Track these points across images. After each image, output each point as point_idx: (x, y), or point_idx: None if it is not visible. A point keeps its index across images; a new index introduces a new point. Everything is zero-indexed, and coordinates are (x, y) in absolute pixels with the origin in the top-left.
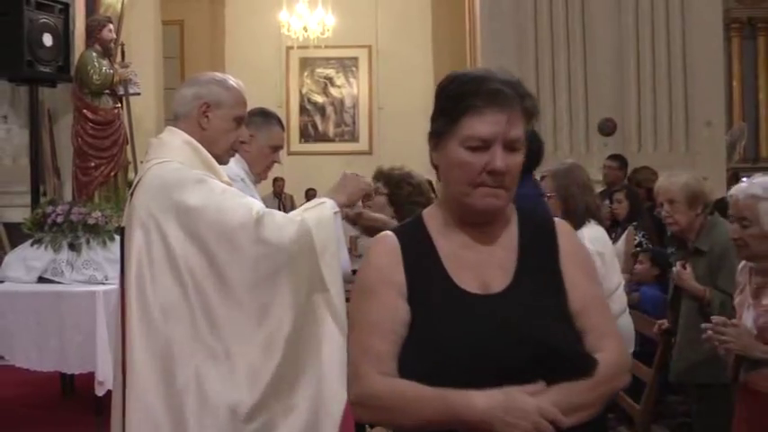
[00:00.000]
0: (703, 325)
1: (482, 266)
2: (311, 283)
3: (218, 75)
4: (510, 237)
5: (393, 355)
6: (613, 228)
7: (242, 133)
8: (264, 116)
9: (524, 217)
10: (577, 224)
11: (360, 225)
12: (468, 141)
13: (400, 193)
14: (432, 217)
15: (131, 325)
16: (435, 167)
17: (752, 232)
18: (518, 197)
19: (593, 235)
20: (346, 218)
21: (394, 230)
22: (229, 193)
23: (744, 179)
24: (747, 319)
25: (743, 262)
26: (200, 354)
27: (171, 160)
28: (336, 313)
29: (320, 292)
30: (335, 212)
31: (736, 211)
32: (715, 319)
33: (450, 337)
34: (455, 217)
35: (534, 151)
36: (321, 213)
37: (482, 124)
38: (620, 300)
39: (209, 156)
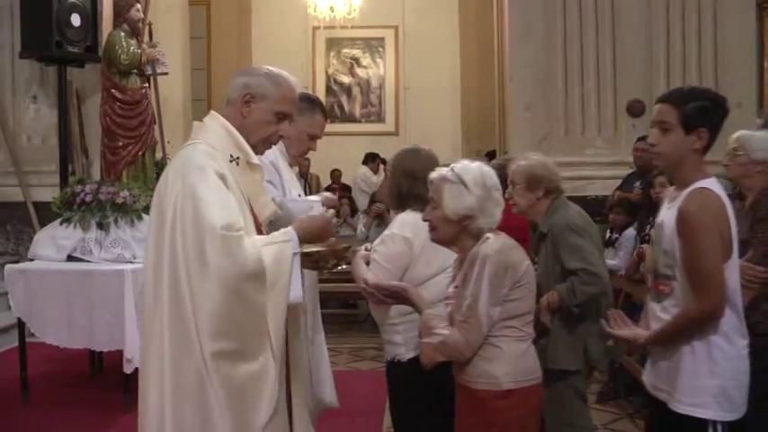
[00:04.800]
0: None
1: None
2: (252, 314)
3: (274, 69)
4: None
5: None
6: (652, 212)
7: (283, 128)
8: (309, 102)
9: None
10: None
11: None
12: None
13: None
14: None
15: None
16: None
17: (438, 214)
18: None
19: (405, 219)
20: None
21: None
22: (218, 194)
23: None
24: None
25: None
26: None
27: (201, 142)
28: (274, 348)
29: (258, 323)
30: (295, 253)
31: (430, 192)
32: None
33: None
34: None
35: None
36: (282, 251)
37: None
38: (436, 287)
39: (244, 142)
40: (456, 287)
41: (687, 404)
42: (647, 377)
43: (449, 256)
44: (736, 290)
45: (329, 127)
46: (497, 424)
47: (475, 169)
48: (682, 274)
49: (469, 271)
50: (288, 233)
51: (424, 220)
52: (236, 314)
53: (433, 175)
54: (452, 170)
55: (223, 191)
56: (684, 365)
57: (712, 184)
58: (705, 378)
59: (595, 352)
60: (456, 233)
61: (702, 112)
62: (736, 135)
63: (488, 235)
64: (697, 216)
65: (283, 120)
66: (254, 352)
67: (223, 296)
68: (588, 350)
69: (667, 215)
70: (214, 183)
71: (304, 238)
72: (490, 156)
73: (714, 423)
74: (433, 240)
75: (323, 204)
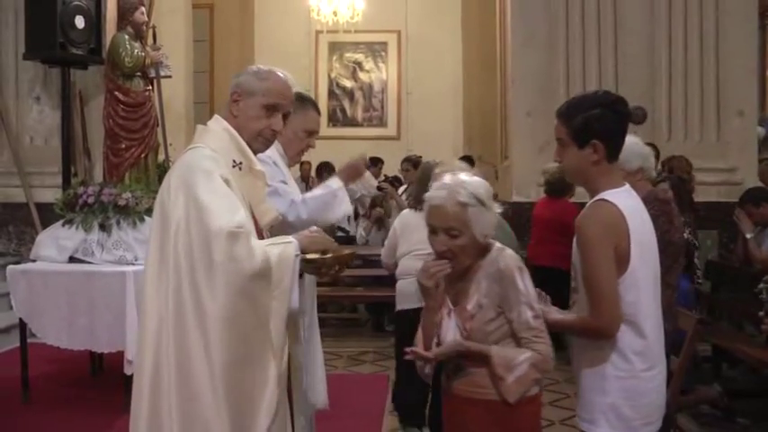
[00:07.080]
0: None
1: None
2: (259, 316)
3: (264, 67)
4: None
5: None
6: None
7: (275, 122)
8: (300, 100)
9: None
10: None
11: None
12: None
13: None
14: None
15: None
16: None
17: (463, 242)
18: None
19: (401, 214)
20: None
21: None
22: (226, 198)
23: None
24: (449, 325)
25: None
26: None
27: (204, 146)
28: (275, 350)
29: (264, 325)
30: (297, 255)
31: (442, 222)
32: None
33: None
34: None
35: None
36: (285, 251)
37: None
38: (405, 264)
39: (247, 147)
40: (480, 306)
41: (583, 419)
42: None
43: (415, 243)
44: (636, 305)
45: (331, 131)
46: (520, 430)
47: (479, 184)
48: (582, 287)
49: (506, 288)
50: (289, 238)
51: (441, 252)
52: (243, 316)
53: (442, 202)
54: (472, 195)
55: (230, 194)
56: (583, 381)
57: (615, 195)
58: (596, 394)
59: None
60: (476, 254)
61: (591, 123)
62: None
63: (497, 245)
64: (588, 228)
65: (274, 112)
66: (261, 359)
67: (230, 297)
68: None
69: None
70: (221, 187)
71: (305, 249)
72: (465, 160)
73: None
74: (455, 269)
75: (344, 179)
